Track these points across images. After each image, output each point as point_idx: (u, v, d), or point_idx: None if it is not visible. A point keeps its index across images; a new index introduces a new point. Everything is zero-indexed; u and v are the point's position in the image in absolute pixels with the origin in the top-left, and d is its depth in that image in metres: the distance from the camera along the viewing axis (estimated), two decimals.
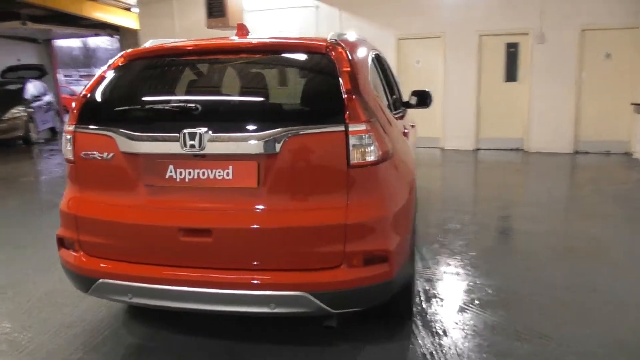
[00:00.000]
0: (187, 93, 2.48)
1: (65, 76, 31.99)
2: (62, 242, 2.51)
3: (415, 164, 4.32)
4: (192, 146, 2.19)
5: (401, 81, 9.79)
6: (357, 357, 2.65)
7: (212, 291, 2.22)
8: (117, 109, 2.42)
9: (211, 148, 2.21)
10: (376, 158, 2.25)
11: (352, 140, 2.18)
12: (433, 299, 3.27)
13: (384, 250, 2.26)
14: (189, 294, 2.25)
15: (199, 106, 2.27)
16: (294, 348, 2.74)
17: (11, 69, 14.20)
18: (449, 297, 3.31)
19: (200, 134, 2.19)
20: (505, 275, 3.65)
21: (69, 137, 2.42)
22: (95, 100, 2.42)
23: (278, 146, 2.17)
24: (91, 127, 2.37)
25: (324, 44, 2.42)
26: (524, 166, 8.68)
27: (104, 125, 2.34)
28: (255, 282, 2.21)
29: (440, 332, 2.86)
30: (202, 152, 2.20)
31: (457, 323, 2.95)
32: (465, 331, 2.86)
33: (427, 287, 3.45)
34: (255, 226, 2.22)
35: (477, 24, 9.50)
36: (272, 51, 2.53)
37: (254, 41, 2.58)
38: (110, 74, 2.50)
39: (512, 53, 9.54)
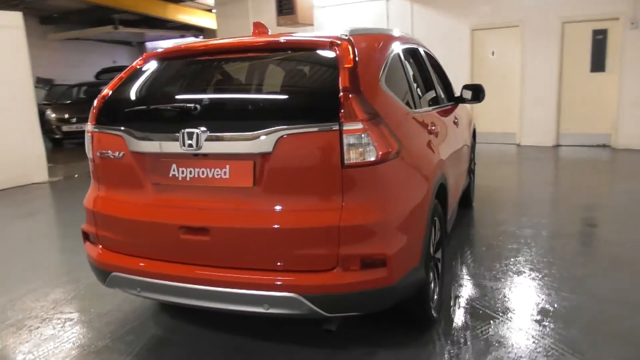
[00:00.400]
0: (191, 93, 2.51)
1: None
2: (86, 236, 2.66)
3: (462, 160, 4.14)
4: (190, 145, 2.23)
5: (475, 74, 9.42)
6: (364, 357, 2.57)
7: (209, 289, 2.25)
8: (127, 109, 2.51)
9: (208, 147, 2.23)
10: (375, 158, 2.15)
11: (347, 140, 2.10)
12: (468, 308, 3.08)
13: (381, 255, 2.16)
14: (189, 290, 2.29)
15: (198, 106, 2.30)
16: (305, 349, 2.70)
17: (105, 70, 15.37)
18: (489, 307, 3.09)
19: (197, 134, 2.21)
20: (579, 292, 3.26)
21: (89, 136, 2.55)
22: (110, 101, 2.53)
23: (271, 145, 2.14)
24: (106, 127, 2.48)
25: (329, 40, 2.35)
26: (611, 164, 7.95)
27: (116, 126, 2.44)
28: (249, 281, 2.20)
29: (462, 342, 2.69)
30: (199, 151, 2.23)
31: (481, 333, 2.76)
32: (489, 342, 2.67)
33: (462, 294, 3.26)
34: (249, 226, 2.20)
35: (560, 10, 8.82)
36: (276, 49, 2.50)
37: (259, 40, 2.56)
38: (127, 76, 2.61)
39: (599, 41, 8.76)
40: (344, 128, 2.10)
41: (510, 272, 3.59)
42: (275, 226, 2.17)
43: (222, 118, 2.31)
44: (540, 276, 3.49)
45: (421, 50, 3.70)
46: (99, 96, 2.57)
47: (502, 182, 6.97)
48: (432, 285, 2.79)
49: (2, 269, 4.24)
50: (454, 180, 3.66)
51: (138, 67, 2.63)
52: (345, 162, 2.11)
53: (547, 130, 9.24)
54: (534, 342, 2.66)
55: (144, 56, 2.68)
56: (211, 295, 2.25)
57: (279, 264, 2.20)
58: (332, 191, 2.14)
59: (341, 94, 2.13)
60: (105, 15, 14.88)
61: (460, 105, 4.63)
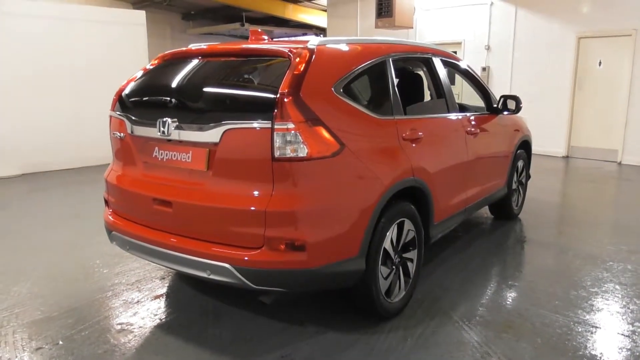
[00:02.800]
0: (171, 89, 2.98)
1: None
2: (105, 202, 3.29)
3: (480, 170, 4.15)
4: (163, 132, 2.71)
5: (578, 85, 8.83)
6: (312, 339, 2.86)
7: (172, 253, 2.71)
8: (130, 99, 3.07)
9: (176, 135, 2.69)
10: (305, 155, 2.45)
11: (277, 137, 2.42)
12: (437, 310, 3.22)
13: (300, 240, 2.45)
14: (159, 252, 2.78)
15: (172, 100, 2.79)
16: (264, 318, 3.07)
17: None
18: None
19: (168, 123, 2.69)
20: None
21: (108, 119, 3.17)
22: (123, 92, 3.12)
23: (219, 137, 2.54)
24: (117, 112, 3.07)
25: (287, 49, 2.68)
26: None
27: (122, 112, 3.02)
28: (197, 249, 2.63)
29: (407, 338, 2.86)
30: (169, 137, 2.71)
31: (431, 333, 2.90)
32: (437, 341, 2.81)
33: (441, 297, 3.38)
34: (200, 203, 2.63)
35: None
36: (244, 55, 2.89)
37: (231, 47, 2.96)
38: (141, 72, 3.18)
39: None
40: (276, 127, 2.42)
41: (500, 287, 3.60)
42: (218, 205, 2.57)
43: (187, 111, 2.77)
44: (513, 285, 3.46)
45: (436, 59, 3.80)
46: (118, 88, 3.16)
47: (573, 201, 6.59)
48: (389, 280, 2.98)
49: None
50: (453, 188, 3.74)
51: (148, 67, 3.19)
52: (276, 156, 2.43)
53: None
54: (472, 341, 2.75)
55: (159, 57, 3.23)
56: (173, 258, 2.72)
57: (219, 237, 2.60)
58: (264, 180, 2.48)
59: (278, 96, 2.45)
60: (236, 14, 16.31)
61: (505, 115, 4.60)
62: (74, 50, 7.78)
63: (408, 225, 3.13)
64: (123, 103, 3.07)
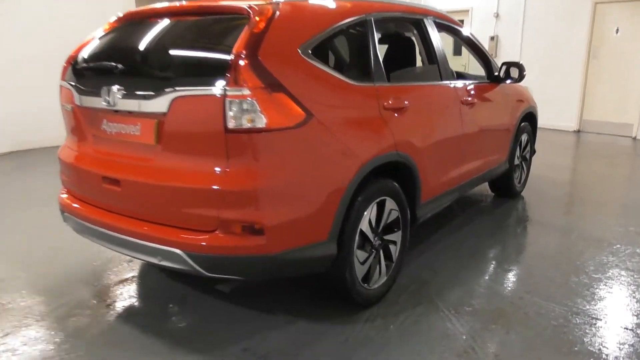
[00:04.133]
0: (117, 54, 2.65)
1: None
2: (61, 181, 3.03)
3: (478, 143, 3.82)
4: (108, 102, 2.42)
5: (592, 54, 8.34)
6: (281, 329, 2.61)
7: (121, 237, 2.45)
8: (77, 67, 2.76)
9: (122, 105, 2.40)
10: (264, 126, 2.15)
11: (230, 105, 2.12)
12: (423, 296, 2.94)
13: (258, 223, 2.17)
14: (109, 236, 2.51)
15: (118, 66, 2.47)
16: (234, 306, 2.82)
17: None
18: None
19: (112, 92, 2.39)
20: None
21: (58, 89, 2.88)
22: (73, 60, 2.81)
23: (166, 106, 2.24)
24: (66, 82, 2.77)
25: (247, 5, 2.34)
26: None
27: (70, 81, 2.72)
28: (146, 233, 2.36)
29: (389, 326, 2.60)
30: (115, 108, 2.42)
31: (415, 322, 2.63)
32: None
33: (430, 280, 3.10)
34: (149, 182, 2.35)
35: None
36: (201, 13, 2.54)
37: (186, 5, 2.60)
38: (88, 40, 2.86)
39: None
40: (229, 93, 2.12)
41: (482, 268, 3.31)
42: (168, 184, 2.29)
43: (134, 78, 2.46)
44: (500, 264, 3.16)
45: (428, 21, 3.44)
46: (69, 55, 2.85)
47: (582, 178, 6.22)
48: (367, 264, 2.72)
49: None
50: (445, 164, 3.42)
51: (99, 32, 2.87)
52: (229, 127, 2.13)
53: None
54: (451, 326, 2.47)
55: (109, 22, 2.90)
56: (123, 243, 2.46)
57: (171, 220, 2.33)
58: (217, 155, 2.19)
59: (232, 58, 2.14)
60: None
61: (507, 84, 4.25)
62: (65, 27, 7.48)
63: (390, 204, 2.83)
64: (73, 71, 2.78)
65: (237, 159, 2.17)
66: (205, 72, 2.24)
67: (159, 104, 2.27)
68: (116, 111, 2.46)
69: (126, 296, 2.98)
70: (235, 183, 2.17)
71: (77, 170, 2.70)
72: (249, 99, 2.12)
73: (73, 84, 2.69)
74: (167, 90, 2.24)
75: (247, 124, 2.14)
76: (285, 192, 2.24)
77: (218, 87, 2.13)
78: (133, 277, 3.22)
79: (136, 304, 2.91)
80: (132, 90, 2.38)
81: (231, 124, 2.13)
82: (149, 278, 3.22)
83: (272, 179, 2.20)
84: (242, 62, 2.14)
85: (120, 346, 2.48)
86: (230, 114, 2.12)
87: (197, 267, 2.25)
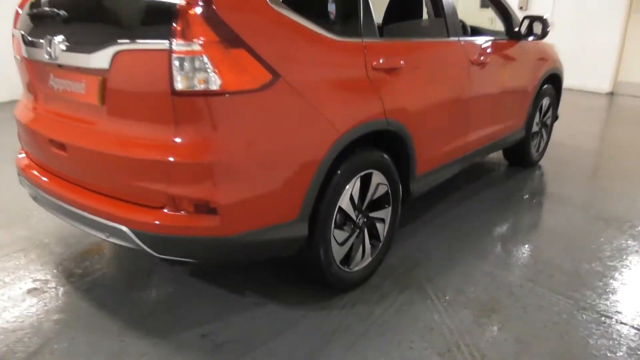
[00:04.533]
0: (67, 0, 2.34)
1: None
2: None
3: (490, 107, 3.44)
4: (50, 55, 2.12)
5: (630, 5, 7.61)
6: (247, 313, 2.36)
7: (71, 208, 2.20)
8: (28, 13, 2.43)
9: (64, 59, 2.10)
10: (217, 88, 1.82)
11: (176, 62, 1.79)
12: (412, 279, 2.65)
13: (210, 201, 1.88)
14: (59, 207, 2.26)
15: (61, 12, 2.14)
16: (201, 285, 2.58)
17: None
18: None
19: (53, 43, 2.09)
20: None
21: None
22: (23, 5, 2.48)
23: (108, 62, 1.93)
24: (17, 30, 2.46)
25: None
26: None
27: (20, 29, 2.41)
28: (93, 206, 2.10)
29: (366, 314, 2.33)
30: (57, 62, 2.11)
31: (395, 312, 2.36)
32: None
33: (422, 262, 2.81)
34: (92, 147, 2.06)
35: None
36: None
37: None
38: None
39: None
40: (175, 48, 1.79)
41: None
42: (112, 152, 2.00)
43: (78, 27, 2.14)
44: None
45: None
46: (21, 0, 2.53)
47: (611, 147, 5.74)
48: (348, 244, 2.43)
49: None
50: (447, 132, 3.05)
51: None
52: (177, 88, 1.82)
53: None
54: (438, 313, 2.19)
55: None
56: (73, 215, 2.21)
57: (117, 193, 2.06)
58: (165, 121, 1.89)
59: (180, 5, 1.80)
60: None
61: (529, 42, 3.79)
62: None
63: (378, 178, 2.51)
64: (21, 19, 2.46)
65: (187, 127, 1.87)
66: (151, 21, 1.90)
67: (100, 58, 1.95)
68: (60, 66, 2.15)
69: (90, 266, 2.76)
70: (184, 154, 1.87)
71: (27, 130, 2.44)
72: (200, 55, 1.79)
73: (22, 32, 2.38)
74: (108, 42, 1.92)
75: (198, 86, 1.81)
76: (244, 165, 1.93)
77: (163, 40, 1.80)
78: (102, 244, 2.99)
79: (98, 275, 2.68)
80: (74, 42, 2.07)
81: (179, 86, 1.81)
82: (119, 246, 2.99)
83: (228, 151, 1.89)
84: (192, 12, 1.79)
85: (69, 324, 2.27)
86: (178, 73, 1.80)
87: (145, 247, 1.99)
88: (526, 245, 3.09)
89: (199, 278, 2.64)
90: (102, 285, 2.60)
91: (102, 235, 2.11)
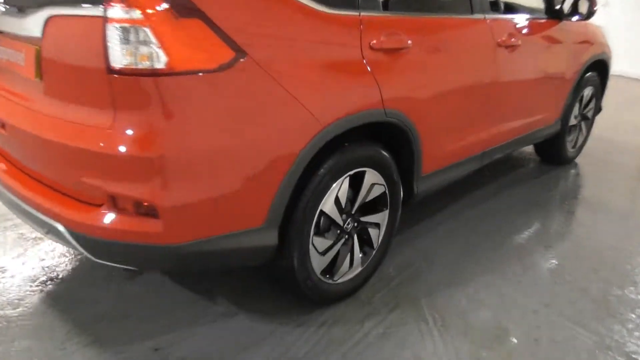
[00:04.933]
0: None
1: None
2: None
3: (516, 97, 3.00)
4: None
5: None
6: (212, 325, 2.07)
7: (11, 197, 1.93)
8: None
9: (3, 24, 1.80)
10: (164, 67, 1.49)
11: (112, 33, 1.46)
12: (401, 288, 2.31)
13: (149, 202, 1.57)
14: (3, 196, 2.00)
15: None
16: (169, 288, 2.30)
17: None
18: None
19: None
20: None
21: None
22: None
23: (40, 29, 1.62)
24: None
25: None
26: None
27: None
28: (30, 197, 1.82)
29: (340, 333, 2.01)
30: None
31: (380, 335, 2.02)
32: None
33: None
34: (27, 129, 1.78)
35: None
36: None
37: None
38: None
39: None
40: (109, 15, 1.46)
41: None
42: (47, 136, 1.71)
43: None
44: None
45: None
46: None
47: None
48: (332, 253, 2.10)
49: None
50: (463, 124, 2.64)
51: None
52: (112, 66, 1.49)
53: None
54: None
55: None
56: (14, 205, 1.94)
57: (56, 184, 1.78)
58: (102, 104, 1.57)
59: None
60: None
61: (572, 22, 3.32)
62: None
63: (372, 177, 2.15)
64: None
65: (127, 112, 1.55)
66: None
67: (32, 24, 1.65)
68: (1, 32, 1.86)
69: (54, 259, 2.50)
70: (121, 145, 1.55)
71: None
72: (142, 25, 1.46)
73: None
74: (40, 5, 1.61)
75: (139, 64, 1.48)
76: (194, 162, 1.60)
77: (97, 5, 1.47)
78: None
79: (61, 270, 2.43)
80: (12, 3, 1.77)
81: (116, 62, 1.48)
82: None
83: (175, 143, 1.56)
84: None
85: (13, 322, 2.04)
86: (114, 47, 1.47)
87: (82, 250, 1.72)
88: (547, 260, 2.67)
89: (169, 278, 2.36)
90: (60, 281, 2.35)
91: (41, 231, 1.85)
